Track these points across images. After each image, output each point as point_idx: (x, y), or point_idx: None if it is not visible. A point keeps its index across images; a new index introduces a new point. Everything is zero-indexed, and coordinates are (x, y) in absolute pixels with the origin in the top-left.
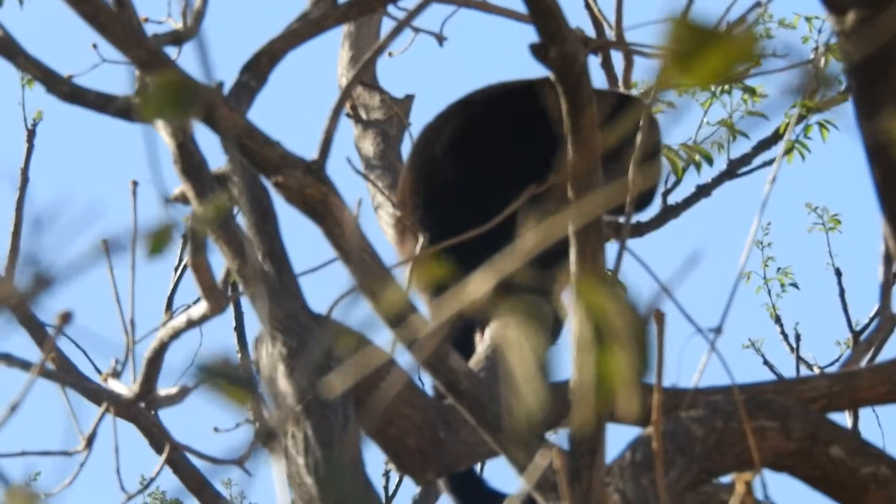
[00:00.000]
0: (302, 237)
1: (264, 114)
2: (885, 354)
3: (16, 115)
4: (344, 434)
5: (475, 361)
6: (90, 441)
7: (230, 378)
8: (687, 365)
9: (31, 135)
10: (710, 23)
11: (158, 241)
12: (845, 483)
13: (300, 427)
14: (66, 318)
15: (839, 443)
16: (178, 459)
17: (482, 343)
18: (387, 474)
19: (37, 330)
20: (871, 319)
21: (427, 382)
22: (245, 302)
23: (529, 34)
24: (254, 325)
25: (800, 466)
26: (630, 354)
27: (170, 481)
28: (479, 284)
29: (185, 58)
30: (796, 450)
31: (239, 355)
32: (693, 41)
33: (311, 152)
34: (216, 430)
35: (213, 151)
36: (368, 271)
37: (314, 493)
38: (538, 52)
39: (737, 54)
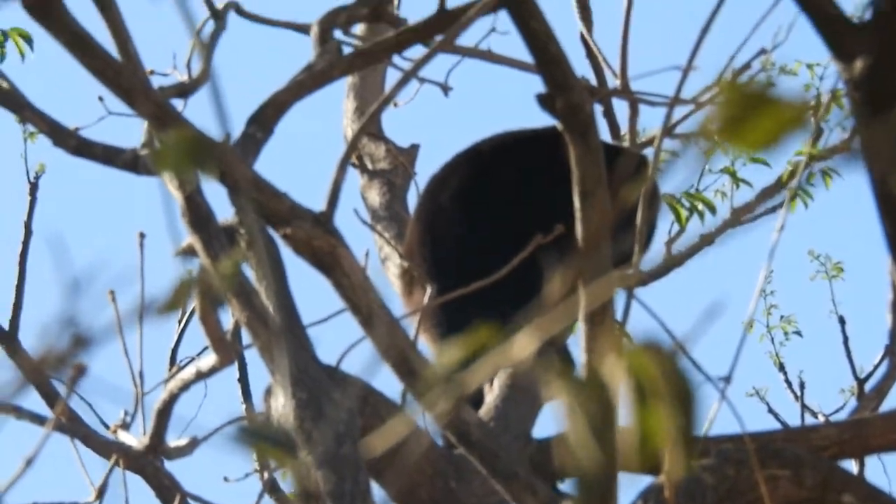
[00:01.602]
0: (310, 288)
1: (270, 165)
2: (893, 402)
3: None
4: (355, 485)
5: (485, 411)
6: (101, 493)
7: (270, 439)
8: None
9: (34, 188)
10: (761, 88)
11: (177, 298)
12: None
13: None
14: (81, 370)
15: (851, 490)
16: None
17: (490, 392)
18: None
19: (44, 384)
20: (876, 367)
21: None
22: (249, 354)
23: (535, 84)
24: (258, 377)
25: None
26: (676, 412)
27: None
28: (524, 343)
29: (191, 110)
30: (808, 498)
31: (243, 407)
32: (745, 106)
33: (317, 203)
34: (226, 479)
35: (221, 203)
36: (377, 321)
37: None
38: (545, 101)
39: (788, 121)
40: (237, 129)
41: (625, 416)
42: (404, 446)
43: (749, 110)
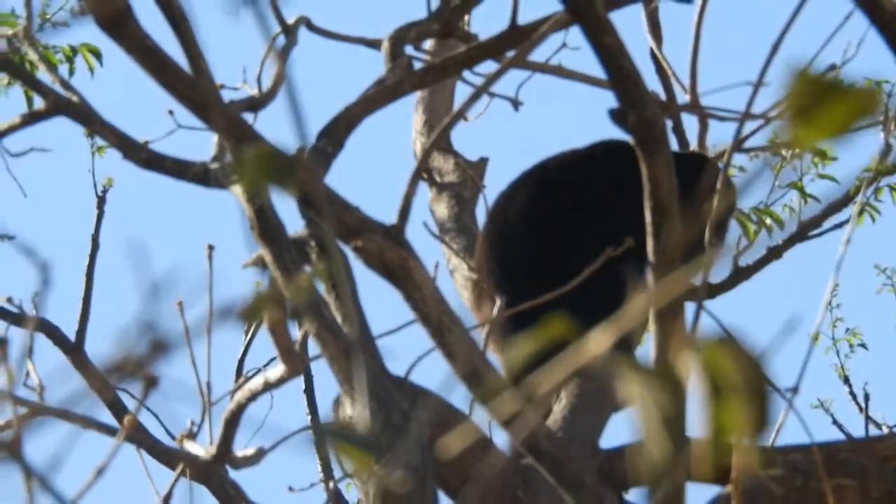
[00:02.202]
0: (379, 301)
1: (341, 179)
2: None
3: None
4: (423, 492)
5: (553, 421)
6: (166, 502)
7: (352, 440)
8: None
9: (102, 202)
10: (831, 76)
11: (257, 308)
12: None
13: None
14: (153, 381)
15: None
16: None
17: (558, 402)
18: None
19: (109, 394)
20: None
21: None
22: (314, 365)
23: (606, 98)
24: (323, 388)
25: None
26: (750, 410)
27: None
28: (598, 341)
29: (261, 124)
30: None
31: (309, 418)
32: (815, 95)
33: (387, 216)
34: (291, 489)
35: (290, 216)
36: (448, 333)
37: None
38: (618, 117)
39: (858, 107)
40: (309, 141)
41: (696, 418)
42: (478, 461)
43: (819, 97)
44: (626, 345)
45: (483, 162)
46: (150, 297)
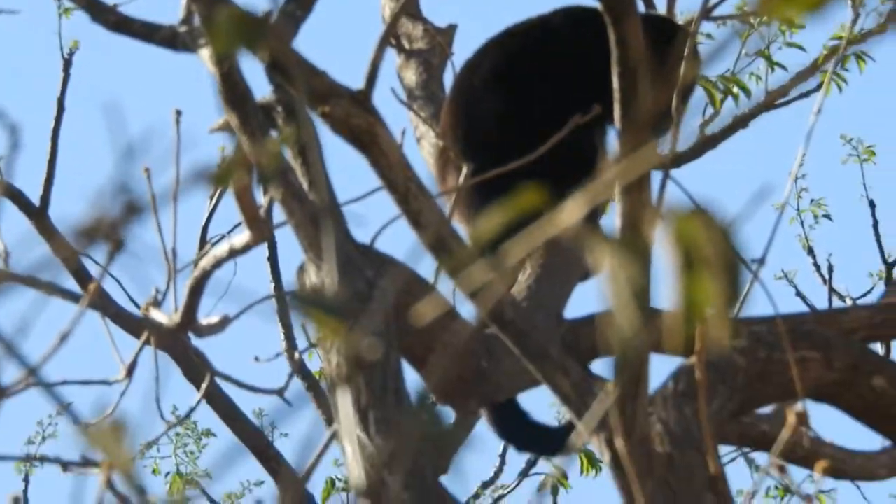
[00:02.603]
0: (345, 167)
1: (309, 43)
2: None
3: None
4: (385, 362)
5: (517, 290)
6: (131, 370)
7: (324, 307)
8: None
9: (68, 64)
10: None
11: (226, 172)
12: (887, 413)
13: (340, 353)
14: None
15: (882, 373)
16: (212, 390)
17: (523, 272)
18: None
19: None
20: None
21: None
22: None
23: None
24: (287, 255)
25: (842, 397)
26: (721, 282)
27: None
28: (570, 212)
29: None
30: (838, 380)
31: (272, 286)
32: None
33: (355, 82)
34: (257, 359)
35: (258, 80)
36: (413, 200)
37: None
38: None
39: None
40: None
41: (666, 289)
42: (443, 331)
43: None
44: (591, 214)
45: (452, 28)
46: (122, 160)
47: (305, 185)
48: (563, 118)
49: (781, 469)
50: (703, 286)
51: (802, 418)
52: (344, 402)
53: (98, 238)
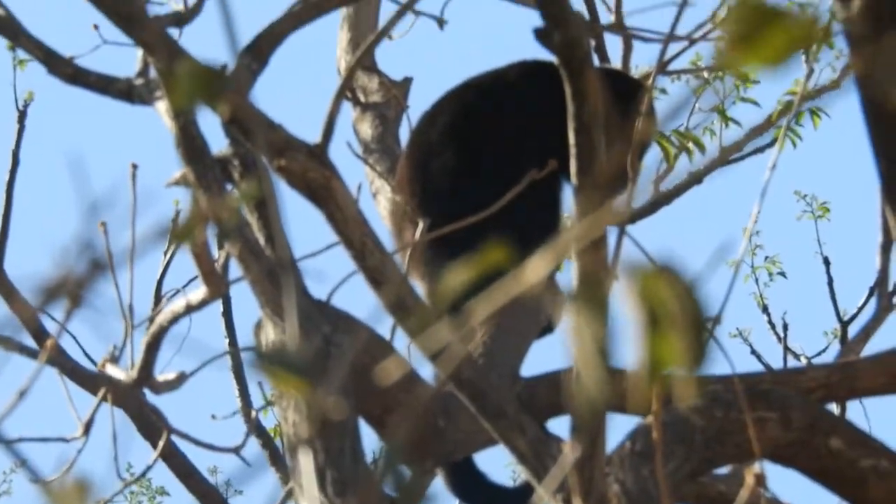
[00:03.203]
0: (302, 221)
1: (264, 96)
2: (879, 344)
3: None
4: (343, 422)
5: (473, 347)
6: (88, 427)
7: (288, 367)
8: None
9: (23, 116)
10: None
11: (188, 230)
12: (844, 475)
13: (298, 412)
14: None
15: (838, 434)
16: (168, 447)
17: (479, 329)
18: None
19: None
20: (860, 309)
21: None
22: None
23: (532, 18)
24: (241, 311)
25: (799, 457)
26: (686, 341)
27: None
28: (535, 269)
29: (186, 39)
30: (796, 440)
31: (226, 341)
32: (756, 21)
33: (311, 135)
34: (213, 417)
35: (215, 134)
36: (369, 255)
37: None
38: (542, 36)
39: (799, 36)
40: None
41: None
42: (402, 392)
43: (759, 25)
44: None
45: (407, 82)
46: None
47: (262, 240)
48: (518, 173)
49: None
50: (668, 344)
51: (760, 479)
52: (305, 462)
53: (61, 296)
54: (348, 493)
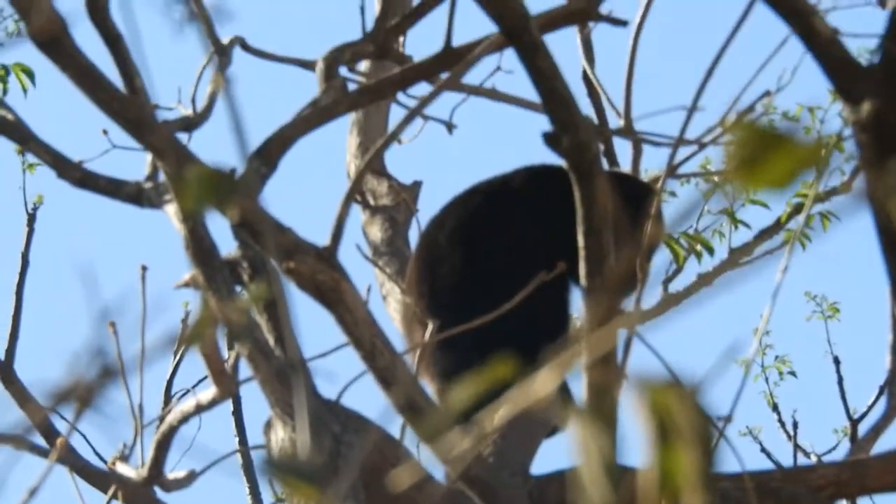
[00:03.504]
0: (312, 322)
1: (272, 199)
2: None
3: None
4: None
5: (483, 445)
6: None
7: (297, 472)
8: None
9: (32, 219)
10: (776, 128)
11: (198, 331)
12: None
13: None
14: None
15: None
16: None
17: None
18: None
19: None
20: (870, 408)
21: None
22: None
23: (541, 122)
24: (251, 411)
25: None
26: (696, 454)
27: None
28: (544, 382)
29: (195, 144)
30: None
31: (237, 441)
32: (760, 146)
33: (320, 238)
34: None
35: (224, 236)
36: (379, 357)
37: None
38: (551, 140)
39: (803, 161)
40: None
41: (640, 457)
42: (419, 494)
43: (763, 150)
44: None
45: (417, 185)
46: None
47: (271, 341)
48: (526, 275)
49: None
50: (677, 457)
51: None
52: None
53: (72, 400)
54: None
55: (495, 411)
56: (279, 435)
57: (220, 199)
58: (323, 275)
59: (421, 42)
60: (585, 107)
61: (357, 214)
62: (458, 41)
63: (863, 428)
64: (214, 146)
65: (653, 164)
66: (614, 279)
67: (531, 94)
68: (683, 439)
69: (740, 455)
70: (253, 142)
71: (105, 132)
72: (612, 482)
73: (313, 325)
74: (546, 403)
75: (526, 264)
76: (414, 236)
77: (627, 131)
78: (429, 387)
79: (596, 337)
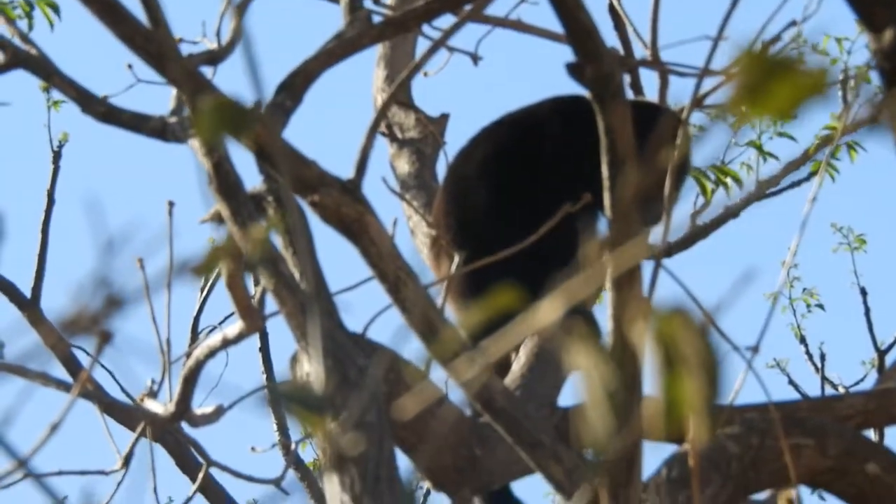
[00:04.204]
0: (337, 256)
1: (299, 133)
2: None
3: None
4: (379, 451)
5: (510, 379)
6: (127, 461)
7: (305, 402)
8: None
9: (57, 156)
10: (782, 56)
11: (210, 263)
12: (881, 500)
13: (335, 444)
14: (107, 337)
15: (875, 459)
16: (207, 480)
17: (517, 361)
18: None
19: (62, 349)
20: None
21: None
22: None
23: (566, 53)
24: (278, 344)
25: (836, 483)
26: (701, 381)
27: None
28: (549, 309)
29: (220, 77)
30: (832, 467)
31: (264, 377)
32: (765, 74)
33: (346, 171)
34: (253, 449)
35: (249, 170)
36: (404, 289)
37: None
38: (575, 71)
39: (808, 87)
40: (266, 97)
41: (650, 383)
42: (433, 419)
43: (768, 78)
44: (581, 305)
45: (444, 118)
46: (106, 252)
47: (297, 275)
48: (552, 207)
49: None
50: (683, 386)
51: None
52: (330, 489)
53: (80, 331)
54: None
55: (510, 335)
56: (305, 369)
57: (235, 129)
58: (347, 207)
59: None
60: (612, 39)
61: (385, 148)
62: None
63: (890, 358)
64: (240, 80)
65: (680, 95)
66: (637, 207)
67: (556, 26)
68: (689, 367)
69: (766, 387)
70: (278, 75)
71: (130, 66)
72: (616, 412)
73: (340, 259)
74: (558, 336)
75: (552, 196)
76: (441, 169)
77: (654, 62)
78: (458, 320)
79: (619, 258)
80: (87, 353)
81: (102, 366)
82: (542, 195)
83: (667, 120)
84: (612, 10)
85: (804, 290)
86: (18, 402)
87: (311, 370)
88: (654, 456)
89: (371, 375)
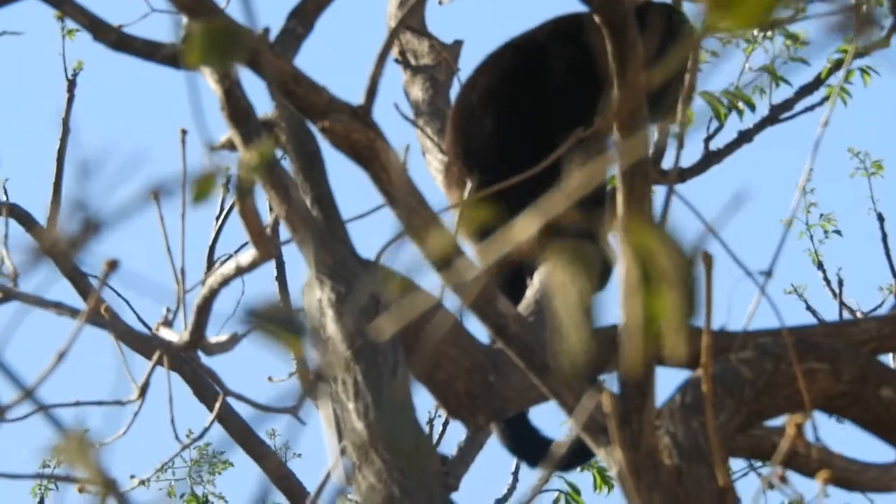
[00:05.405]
0: (349, 183)
1: (311, 60)
2: None
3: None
4: (393, 379)
5: (524, 306)
6: (143, 390)
7: (279, 322)
8: (735, 308)
9: (72, 85)
10: None
11: (203, 188)
12: None
13: (350, 372)
14: (113, 265)
15: (890, 384)
16: (224, 409)
17: (531, 287)
18: (431, 422)
19: (79, 280)
20: None
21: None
22: (286, 250)
23: None
24: (295, 273)
25: (850, 408)
26: (677, 297)
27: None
28: (525, 227)
29: (233, 5)
30: (846, 391)
31: (281, 304)
32: None
33: (358, 98)
34: (270, 379)
35: (261, 97)
36: (415, 215)
37: (365, 437)
38: None
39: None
40: (279, 23)
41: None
42: (453, 349)
43: None
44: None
45: (458, 44)
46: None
47: (308, 201)
48: (557, 132)
49: (783, 479)
50: (660, 301)
51: (800, 428)
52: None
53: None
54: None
55: (486, 257)
56: (318, 295)
57: (227, 53)
58: (357, 134)
59: None
60: None
61: (398, 74)
62: None
63: None
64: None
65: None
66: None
67: None
68: (666, 283)
69: (781, 312)
70: (290, 2)
71: None
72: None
73: (351, 187)
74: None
75: (557, 120)
76: (455, 96)
77: None
78: (469, 244)
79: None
80: (100, 280)
81: (119, 294)
82: (546, 121)
83: (679, 22)
84: None
85: (821, 215)
86: (35, 334)
87: (325, 298)
88: (667, 382)
89: (391, 304)
